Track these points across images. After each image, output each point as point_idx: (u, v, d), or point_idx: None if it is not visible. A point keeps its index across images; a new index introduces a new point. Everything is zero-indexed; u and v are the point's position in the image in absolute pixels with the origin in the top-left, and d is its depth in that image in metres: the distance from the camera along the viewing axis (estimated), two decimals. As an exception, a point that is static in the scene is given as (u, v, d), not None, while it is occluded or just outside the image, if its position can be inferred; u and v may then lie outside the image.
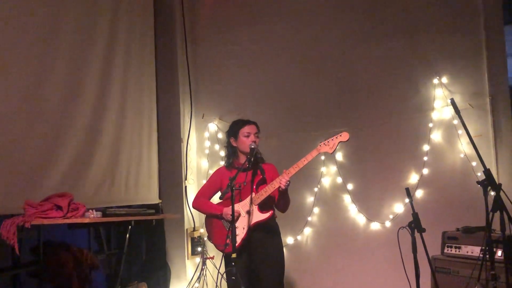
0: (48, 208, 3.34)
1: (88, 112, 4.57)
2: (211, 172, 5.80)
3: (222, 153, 5.73)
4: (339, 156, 5.32)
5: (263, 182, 3.68)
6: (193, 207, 4.02)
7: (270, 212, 3.62)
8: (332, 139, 3.58)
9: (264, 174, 3.68)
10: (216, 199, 3.86)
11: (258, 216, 3.60)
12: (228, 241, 3.38)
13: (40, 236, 4.20)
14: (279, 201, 3.69)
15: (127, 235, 4.09)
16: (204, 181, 5.76)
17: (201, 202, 3.91)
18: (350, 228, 5.26)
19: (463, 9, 4.98)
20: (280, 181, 3.50)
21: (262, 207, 3.62)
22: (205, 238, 5.70)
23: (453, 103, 3.26)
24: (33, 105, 3.91)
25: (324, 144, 3.60)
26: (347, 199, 5.28)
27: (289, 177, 3.50)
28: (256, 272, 3.62)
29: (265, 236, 3.65)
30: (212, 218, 3.81)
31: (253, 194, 3.62)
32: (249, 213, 3.60)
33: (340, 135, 3.58)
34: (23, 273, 4.21)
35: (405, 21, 5.20)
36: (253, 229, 3.60)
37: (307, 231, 5.45)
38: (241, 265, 3.50)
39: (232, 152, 3.89)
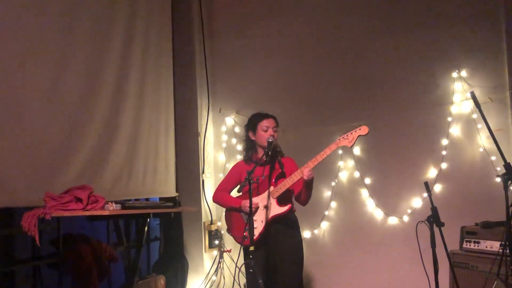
0: (68, 200, 3.37)
1: (106, 107, 4.60)
2: (228, 166, 5.83)
3: (239, 147, 5.76)
4: (357, 150, 5.30)
5: (282, 175, 3.67)
6: (213, 201, 4.04)
7: (289, 205, 3.62)
8: (351, 133, 3.54)
9: (283, 167, 3.67)
10: (235, 193, 3.88)
11: (277, 210, 3.60)
12: (246, 233, 3.39)
13: (60, 228, 4.27)
14: (302, 193, 3.66)
15: (146, 228, 4.12)
16: (222, 175, 5.82)
17: (220, 196, 3.92)
18: (368, 223, 5.25)
19: (483, 2, 4.92)
20: (302, 172, 3.48)
21: (281, 201, 3.61)
22: (223, 232, 5.73)
23: (473, 96, 3.22)
24: (52, 100, 3.94)
25: (343, 138, 3.55)
26: (364, 193, 5.26)
27: (311, 168, 3.48)
28: (275, 265, 3.62)
29: (284, 229, 3.65)
30: (232, 211, 3.82)
31: (272, 187, 3.62)
32: (267, 206, 3.61)
33: (360, 129, 3.53)
34: (43, 265, 4.27)
35: (424, 14, 5.16)
36: (271, 222, 3.60)
37: (324, 225, 5.44)
38: (259, 258, 3.50)
39: (250, 145, 3.88)
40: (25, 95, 3.68)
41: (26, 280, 4.27)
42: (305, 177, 3.47)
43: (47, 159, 3.86)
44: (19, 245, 4.17)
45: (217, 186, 4.07)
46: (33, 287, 4.22)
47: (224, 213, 3.98)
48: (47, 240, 4.25)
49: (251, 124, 3.86)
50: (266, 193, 3.63)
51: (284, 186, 3.57)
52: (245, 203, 3.58)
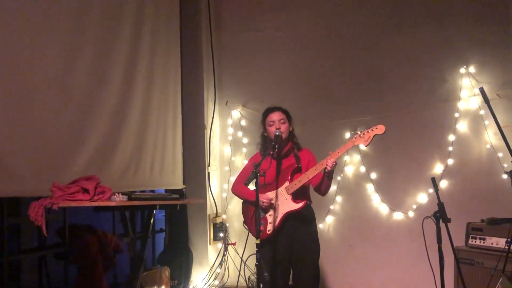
0: (75, 191, 3.37)
1: (115, 98, 4.61)
2: (234, 159, 5.87)
3: (245, 140, 5.77)
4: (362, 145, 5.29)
5: (298, 171, 3.64)
6: (232, 192, 4.00)
7: (303, 202, 3.57)
8: (368, 132, 3.45)
9: (300, 162, 3.66)
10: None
11: (291, 206, 3.57)
12: (262, 228, 3.38)
13: (66, 218, 4.29)
14: (322, 183, 3.61)
15: (152, 219, 4.13)
16: (227, 168, 5.87)
17: (239, 188, 3.89)
18: (373, 218, 5.25)
19: (493, -3, 4.90)
20: (327, 163, 3.43)
21: (296, 197, 3.59)
22: (228, 224, 5.76)
23: (482, 91, 3.21)
24: (61, 91, 3.95)
25: (359, 136, 3.47)
26: (370, 188, 5.26)
27: (335, 159, 3.42)
28: (290, 259, 3.61)
29: (300, 225, 3.62)
30: (248, 204, 3.79)
31: (287, 183, 3.60)
32: (282, 202, 3.59)
33: (376, 128, 3.44)
34: (49, 255, 4.30)
35: (433, 9, 5.13)
36: (286, 218, 3.57)
37: (329, 219, 5.44)
38: (268, 253, 3.49)
39: (264, 142, 3.86)
40: (34, 86, 3.69)
41: (32, 270, 4.30)
42: (329, 168, 3.41)
43: (55, 149, 3.87)
44: (26, 235, 4.20)
45: (235, 178, 4.04)
46: (38, 277, 4.26)
47: (241, 205, 3.96)
48: (53, 230, 4.28)
49: (262, 121, 3.85)
50: (281, 189, 3.60)
51: (300, 182, 3.54)
52: (260, 197, 3.57)
